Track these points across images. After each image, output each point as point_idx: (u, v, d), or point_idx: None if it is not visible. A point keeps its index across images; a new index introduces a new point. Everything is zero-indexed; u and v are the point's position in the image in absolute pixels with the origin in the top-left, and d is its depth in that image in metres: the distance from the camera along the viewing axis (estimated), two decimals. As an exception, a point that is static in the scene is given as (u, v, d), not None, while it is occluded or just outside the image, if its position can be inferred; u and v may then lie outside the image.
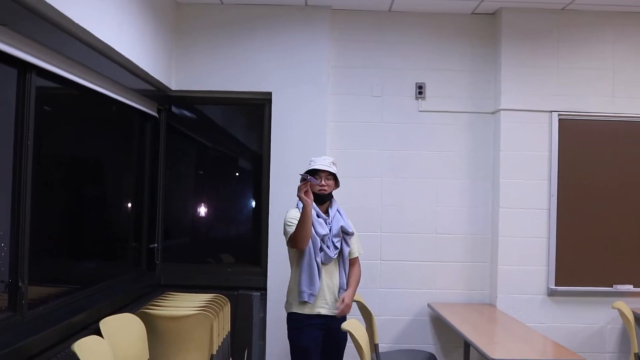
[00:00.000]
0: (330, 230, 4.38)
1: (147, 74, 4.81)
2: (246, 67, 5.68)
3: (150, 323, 4.21)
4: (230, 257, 6.12)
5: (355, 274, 4.54)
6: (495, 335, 4.97)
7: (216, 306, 4.65)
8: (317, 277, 4.29)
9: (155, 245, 5.68)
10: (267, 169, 5.68)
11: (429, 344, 5.76)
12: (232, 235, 6.34)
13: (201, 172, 6.46)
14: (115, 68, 4.32)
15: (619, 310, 5.07)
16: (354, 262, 4.58)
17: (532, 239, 5.65)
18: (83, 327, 3.70)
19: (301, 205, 4.23)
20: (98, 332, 3.58)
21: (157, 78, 5.09)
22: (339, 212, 4.51)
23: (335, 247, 4.39)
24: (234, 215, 6.35)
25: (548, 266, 5.63)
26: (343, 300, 4.33)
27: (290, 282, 4.44)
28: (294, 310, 4.34)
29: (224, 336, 4.86)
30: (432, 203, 5.82)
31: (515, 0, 5.54)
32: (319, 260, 4.30)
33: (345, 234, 4.45)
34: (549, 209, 5.65)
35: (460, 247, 5.83)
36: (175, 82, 5.64)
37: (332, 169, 4.44)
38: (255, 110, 5.89)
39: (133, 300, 4.70)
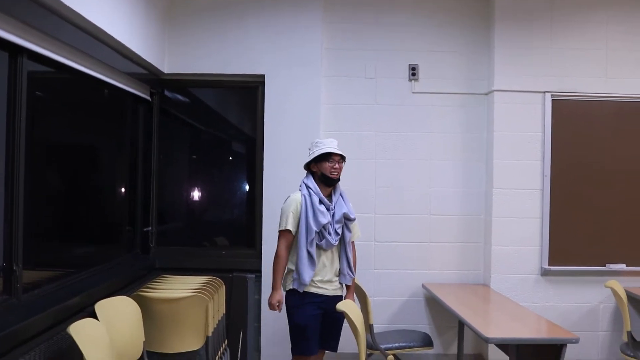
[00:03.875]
0: (333, 216, 4.37)
1: (139, 57, 4.79)
2: (239, 50, 5.66)
3: (146, 305, 4.22)
4: (224, 240, 6.13)
5: (352, 258, 4.57)
6: (490, 314, 5.01)
7: (211, 288, 4.66)
8: (314, 265, 4.31)
9: (150, 228, 5.68)
10: (261, 151, 5.68)
11: (423, 324, 5.79)
12: (227, 218, 6.34)
13: (195, 156, 6.45)
14: (108, 51, 4.30)
15: (612, 289, 5.10)
16: (353, 245, 4.62)
17: (526, 220, 5.67)
18: (78, 310, 3.71)
19: (304, 192, 4.35)
20: (93, 315, 3.60)
21: (150, 61, 5.07)
22: (342, 197, 4.48)
23: (337, 234, 4.38)
24: (228, 199, 6.35)
25: (541, 246, 5.66)
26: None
27: (288, 263, 4.44)
28: (292, 288, 4.36)
29: (219, 318, 4.88)
30: (426, 184, 5.84)
31: (508, -19, 5.53)
32: (311, 249, 4.29)
33: (347, 220, 4.44)
34: (542, 190, 5.67)
35: (454, 228, 5.85)
36: (167, 65, 5.62)
37: (343, 153, 4.44)
38: (248, 94, 5.88)
39: (128, 283, 4.71)
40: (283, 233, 4.38)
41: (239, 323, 5.63)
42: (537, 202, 5.67)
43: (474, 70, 5.84)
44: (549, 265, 5.64)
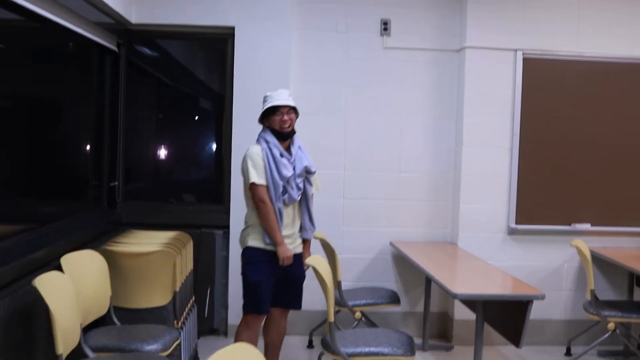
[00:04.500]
0: (294, 169, 4.23)
1: (105, 4, 4.65)
2: (209, 1, 5.53)
3: (112, 260, 4.16)
4: (192, 197, 6.07)
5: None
6: (457, 272, 5.04)
7: (179, 244, 4.61)
8: (282, 222, 4.17)
9: (116, 183, 5.59)
10: (230, 107, 5.59)
11: (391, 282, 5.81)
12: (195, 175, 6.28)
13: (162, 112, 6.34)
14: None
15: (577, 247, 5.15)
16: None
17: (494, 178, 5.69)
18: (44, 263, 3.64)
19: (263, 145, 4.19)
20: (59, 269, 3.53)
21: (117, 10, 4.92)
22: (301, 149, 4.32)
23: (299, 188, 4.26)
24: (196, 155, 6.28)
25: (509, 205, 5.69)
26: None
27: (248, 218, 4.31)
28: (250, 245, 4.22)
29: (187, 274, 4.84)
30: (396, 141, 5.81)
31: (483, -63, 5.46)
32: (280, 205, 4.15)
33: (308, 173, 4.32)
34: (511, 148, 5.67)
35: (423, 186, 5.85)
36: (135, 15, 5.48)
37: (292, 103, 4.26)
38: (217, 47, 5.77)
39: (94, 238, 4.63)
40: (258, 187, 4.13)
41: (206, 279, 5.60)
42: (506, 161, 5.68)
43: (446, 27, 5.78)
44: (516, 224, 5.68)
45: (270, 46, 5.54)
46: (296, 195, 4.24)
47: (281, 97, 4.23)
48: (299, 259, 4.31)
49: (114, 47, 5.35)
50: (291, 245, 4.27)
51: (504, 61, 5.64)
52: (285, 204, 4.22)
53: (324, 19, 5.72)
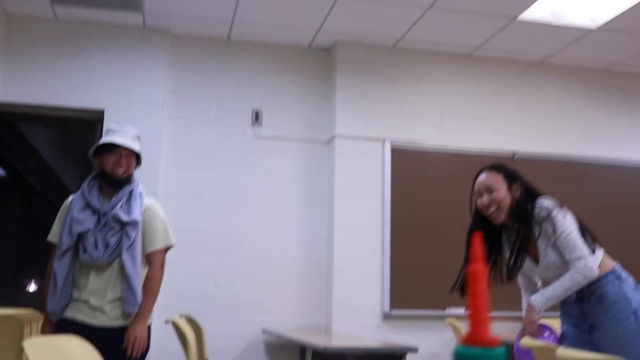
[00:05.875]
0: (99, 222, 3.33)
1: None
2: (79, 83, 5.47)
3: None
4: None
5: (149, 281, 3.40)
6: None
7: None
8: (62, 287, 3.29)
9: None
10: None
11: (263, 375, 5.47)
12: None
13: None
14: None
15: (452, 325, 5.07)
16: (150, 259, 3.45)
17: (367, 264, 5.63)
18: None
19: (77, 194, 3.45)
20: None
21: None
22: (131, 199, 3.40)
23: (106, 244, 3.29)
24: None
25: (382, 291, 5.60)
26: (133, 338, 3.29)
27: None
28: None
29: None
30: (269, 228, 5.71)
31: (350, 34, 5.77)
32: (59, 267, 3.30)
33: (122, 223, 3.31)
34: (383, 235, 5.68)
35: (296, 273, 5.70)
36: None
37: (136, 147, 3.46)
38: (86, 132, 5.64)
39: None
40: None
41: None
42: (378, 246, 5.66)
43: (317, 119, 5.94)
44: (390, 309, 5.56)
45: (140, 130, 5.45)
46: (99, 254, 3.28)
47: (124, 135, 3.45)
48: (116, 334, 3.32)
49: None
50: (102, 315, 3.31)
51: (373, 150, 5.80)
52: (88, 265, 3.32)
53: (196, 108, 5.76)
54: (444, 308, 5.65)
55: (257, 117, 5.82)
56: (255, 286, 5.59)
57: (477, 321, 1.17)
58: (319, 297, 5.69)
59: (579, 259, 2.87)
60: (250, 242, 5.67)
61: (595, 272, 2.86)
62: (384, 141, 5.81)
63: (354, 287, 5.56)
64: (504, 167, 3.19)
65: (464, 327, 5.27)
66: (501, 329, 5.55)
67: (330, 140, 5.88)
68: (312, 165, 5.88)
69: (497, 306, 5.43)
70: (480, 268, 1.20)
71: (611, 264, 2.97)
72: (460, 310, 5.65)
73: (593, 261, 2.89)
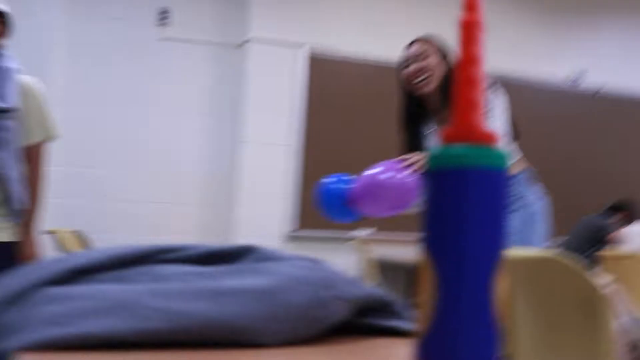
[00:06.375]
0: None
1: None
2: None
3: None
4: None
5: (31, 182, 2.68)
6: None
7: None
8: None
9: None
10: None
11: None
12: None
13: None
14: None
15: (359, 248, 4.83)
16: (29, 153, 2.69)
17: (275, 181, 5.27)
18: None
19: None
20: None
21: None
22: (1, 74, 2.56)
23: None
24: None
25: (290, 208, 5.27)
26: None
27: None
28: None
29: None
30: (169, 139, 5.28)
31: None
32: None
33: None
34: (295, 150, 5.31)
35: (197, 189, 5.36)
36: None
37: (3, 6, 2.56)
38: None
39: None
40: None
41: None
42: (290, 162, 5.30)
43: (229, 19, 5.43)
44: (299, 229, 5.26)
45: (30, 26, 4.82)
46: None
47: None
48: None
49: None
50: None
51: (289, 56, 5.38)
52: None
53: (98, 4, 5.16)
54: (354, 229, 5.34)
55: (163, 15, 5.22)
56: (152, 203, 5.20)
57: (468, 105, 0.60)
58: (220, 215, 5.33)
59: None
60: (147, 153, 5.23)
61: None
62: (301, 46, 5.31)
63: (259, 206, 5.22)
64: (437, 38, 2.66)
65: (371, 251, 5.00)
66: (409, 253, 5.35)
67: (242, 44, 5.34)
68: (220, 70, 5.42)
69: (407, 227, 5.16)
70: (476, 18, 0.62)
71: (525, 165, 2.67)
72: (370, 231, 5.35)
73: (509, 146, 2.55)
